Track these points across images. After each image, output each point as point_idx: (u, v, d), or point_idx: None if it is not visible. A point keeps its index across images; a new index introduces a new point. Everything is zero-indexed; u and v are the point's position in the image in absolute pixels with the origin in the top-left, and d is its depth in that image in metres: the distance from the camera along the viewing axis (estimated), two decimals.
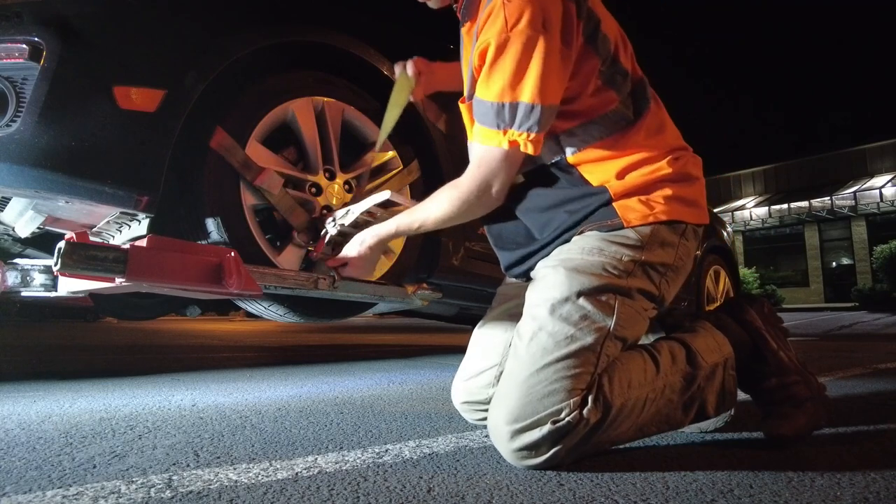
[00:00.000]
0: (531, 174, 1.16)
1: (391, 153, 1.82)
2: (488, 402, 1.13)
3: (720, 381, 1.07)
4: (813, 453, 1.02)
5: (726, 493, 0.79)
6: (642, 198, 1.06)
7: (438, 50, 2.09)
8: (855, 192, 19.75)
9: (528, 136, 1.03)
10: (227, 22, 1.48)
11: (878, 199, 19.20)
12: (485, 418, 1.17)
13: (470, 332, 1.28)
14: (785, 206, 21.56)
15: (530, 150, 1.04)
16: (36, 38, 1.21)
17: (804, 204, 20.97)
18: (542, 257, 1.12)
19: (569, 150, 1.10)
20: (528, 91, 1.01)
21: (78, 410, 1.37)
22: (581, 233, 1.07)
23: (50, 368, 2.48)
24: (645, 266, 1.05)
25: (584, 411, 0.90)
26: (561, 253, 1.08)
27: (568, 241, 1.08)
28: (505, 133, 1.05)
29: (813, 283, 21.46)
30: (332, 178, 1.65)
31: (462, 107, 1.24)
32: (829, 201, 20.29)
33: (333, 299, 1.80)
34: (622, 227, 1.05)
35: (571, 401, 0.90)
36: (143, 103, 1.28)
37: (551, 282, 1.03)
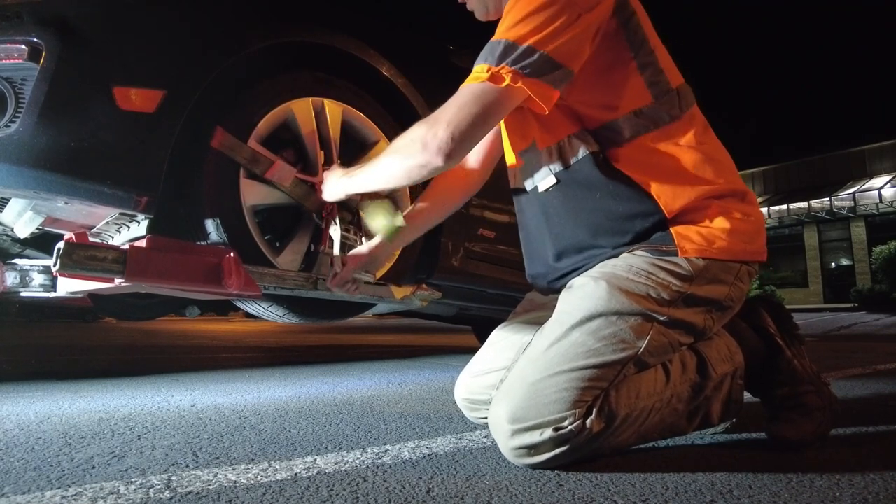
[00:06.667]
0: (568, 176, 1.06)
1: None
2: (488, 403, 1.13)
3: (727, 391, 1.06)
4: (812, 454, 1.02)
5: (725, 494, 0.79)
6: (702, 230, 1.00)
7: (438, 50, 2.09)
8: (854, 193, 19.78)
9: (518, 73, 0.91)
10: (226, 22, 1.48)
11: (878, 200, 19.24)
12: (483, 417, 1.17)
13: (469, 332, 1.28)
14: (784, 206, 21.58)
15: (517, 90, 0.92)
16: (35, 39, 1.21)
17: (803, 205, 21.00)
18: (581, 273, 1.05)
19: (607, 144, 1.03)
20: (532, 35, 0.91)
21: (77, 411, 1.37)
22: (632, 251, 1.01)
23: (49, 368, 2.48)
24: (690, 299, 0.99)
25: (588, 421, 0.89)
26: (606, 266, 1.01)
27: (616, 255, 1.02)
28: (489, 70, 0.93)
29: (812, 283, 21.48)
30: None
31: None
32: (829, 202, 20.32)
33: (333, 300, 1.80)
34: (676, 255, 0.99)
35: (577, 410, 0.89)
36: (142, 104, 1.28)
37: (590, 292, 0.98)
